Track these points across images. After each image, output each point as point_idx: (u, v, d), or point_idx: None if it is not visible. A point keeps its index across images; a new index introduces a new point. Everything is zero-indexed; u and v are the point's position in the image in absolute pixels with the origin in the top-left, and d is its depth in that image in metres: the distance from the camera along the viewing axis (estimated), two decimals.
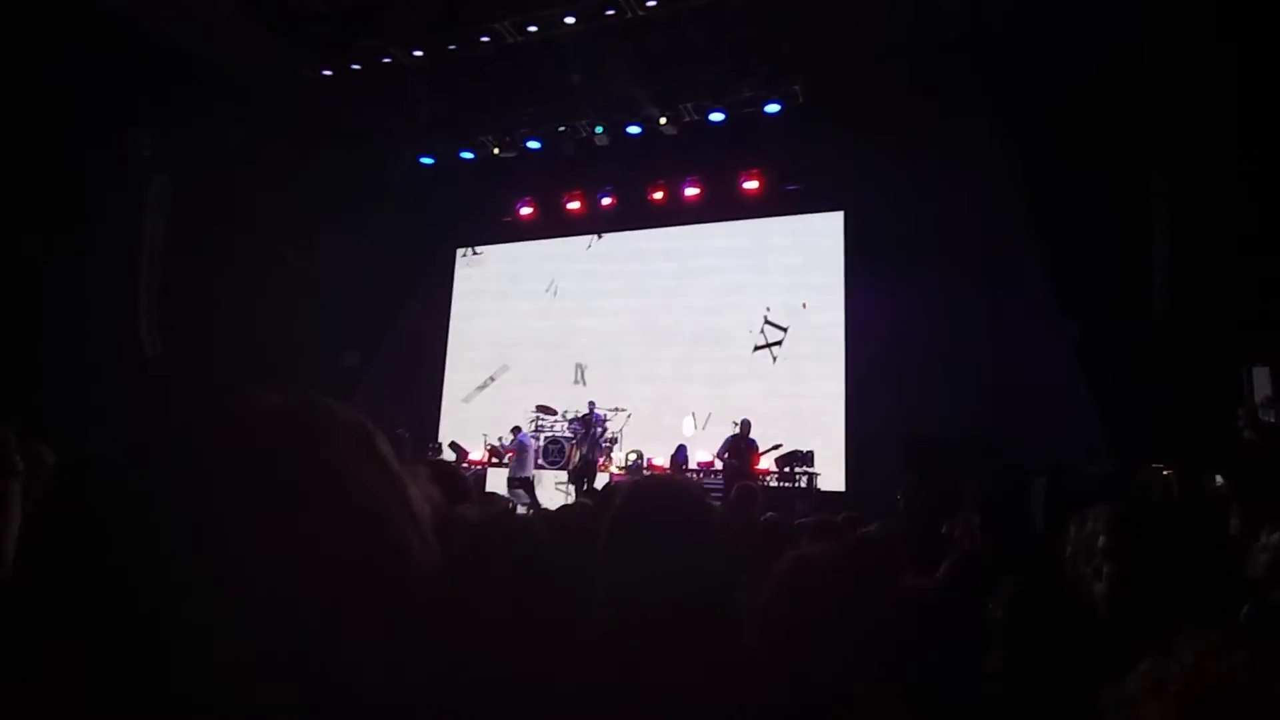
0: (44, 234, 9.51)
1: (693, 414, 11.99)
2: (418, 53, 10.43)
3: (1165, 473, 8.25)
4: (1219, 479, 7.04)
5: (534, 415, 11.77)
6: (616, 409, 11.37)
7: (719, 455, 10.43)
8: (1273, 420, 6.82)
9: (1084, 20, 9.32)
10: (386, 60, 10.48)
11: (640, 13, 9.69)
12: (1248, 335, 7.79)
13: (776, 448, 10.30)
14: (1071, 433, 9.75)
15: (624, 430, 11.49)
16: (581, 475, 10.28)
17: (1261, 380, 7.49)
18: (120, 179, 10.27)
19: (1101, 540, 1.68)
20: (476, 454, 12.10)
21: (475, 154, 11.75)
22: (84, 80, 9.74)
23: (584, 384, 11.70)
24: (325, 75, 10.66)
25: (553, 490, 11.23)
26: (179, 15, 9.95)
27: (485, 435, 11.84)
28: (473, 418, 13.21)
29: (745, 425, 10.26)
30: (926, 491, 8.25)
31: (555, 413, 11.69)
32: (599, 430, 10.74)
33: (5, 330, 8.60)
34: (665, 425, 11.65)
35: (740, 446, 10.26)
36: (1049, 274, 10.31)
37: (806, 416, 11.48)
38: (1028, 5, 9.65)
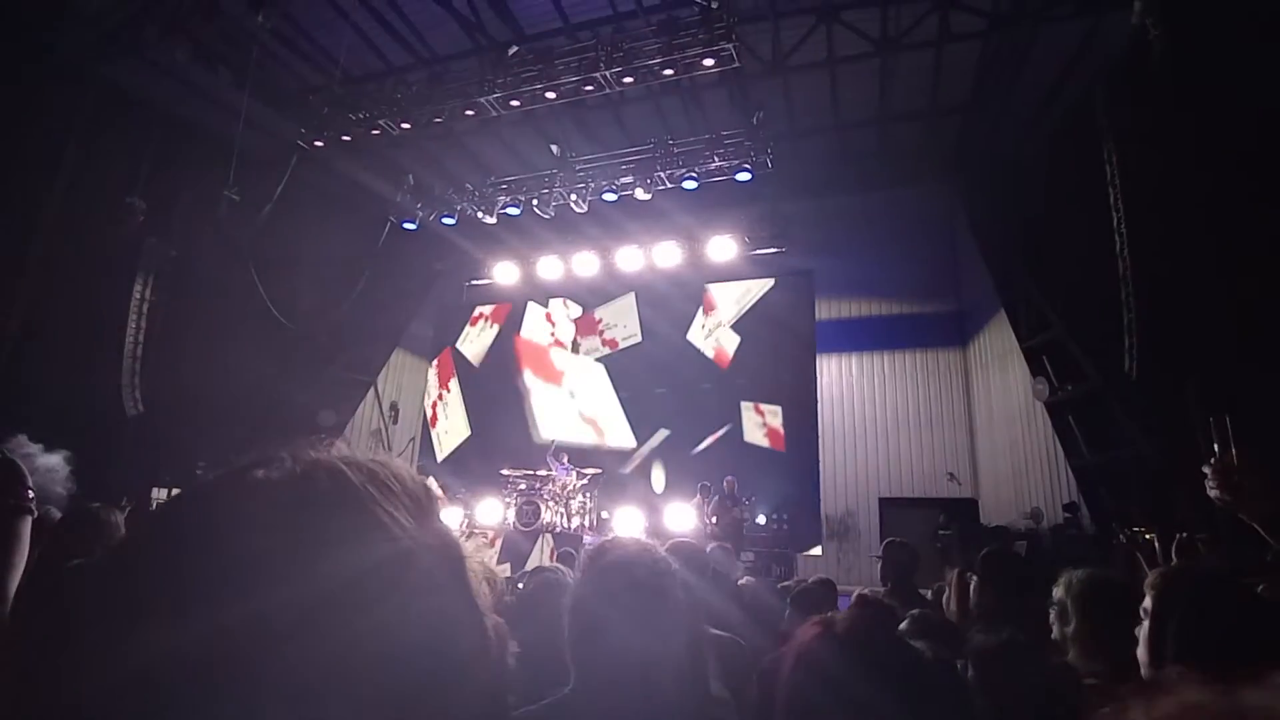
0: (40, 292, 9.90)
1: (663, 472, 11.87)
2: (405, 125, 10.98)
3: (1148, 536, 8.01)
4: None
5: (506, 474, 11.69)
6: (589, 468, 11.28)
7: (710, 517, 10.34)
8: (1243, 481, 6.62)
9: (1043, 83, 9.71)
10: (375, 132, 11.03)
11: (617, 88, 10.13)
12: (1218, 394, 7.68)
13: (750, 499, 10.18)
14: (1049, 493, 9.56)
15: (597, 492, 11.35)
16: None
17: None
18: (116, 242, 10.68)
19: (1147, 601, 1.68)
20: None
21: (455, 218, 12.16)
22: (89, 148, 10.33)
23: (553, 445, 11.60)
24: (317, 145, 11.22)
25: None
26: (183, 89, 10.60)
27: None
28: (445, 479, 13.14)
29: (731, 484, 10.19)
30: (905, 552, 8.13)
31: (532, 472, 11.59)
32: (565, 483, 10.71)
33: None
34: (632, 486, 11.56)
35: (728, 505, 10.17)
36: (1020, 334, 10.35)
37: (784, 477, 11.35)
38: (986, 78, 10.11)
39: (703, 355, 13.45)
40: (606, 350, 14.28)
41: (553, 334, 14.87)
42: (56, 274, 10.11)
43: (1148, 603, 1.68)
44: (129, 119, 10.73)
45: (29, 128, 9.42)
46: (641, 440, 13.19)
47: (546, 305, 15.00)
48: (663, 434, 13.06)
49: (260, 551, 0.42)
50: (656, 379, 13.50)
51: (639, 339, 14.03)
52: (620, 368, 14.05)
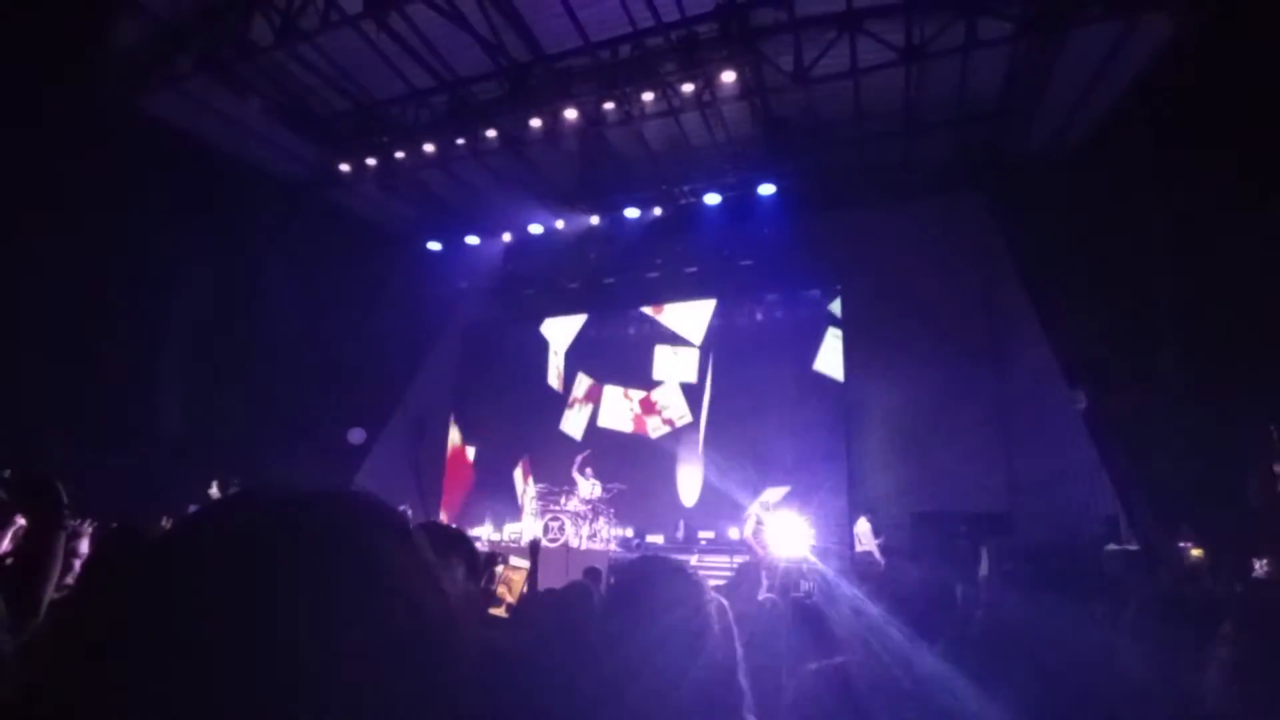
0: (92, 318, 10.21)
1: (695, 486, 11.75)
2: (428, 147, 11.11)
3: (1194, 552, 7.74)
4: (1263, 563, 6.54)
5: (536, 494, 11.69)
6: (613, 484, 11.22)
7: (753, 535, 10.24)
8: None
9: (1075, 89, 9.50)
10: (399, 155, 11.19)
11: (638, 105, 10.14)
12: (1263, 404, 7.38)
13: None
14: (1089, 506, 9.27)
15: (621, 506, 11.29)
16: None
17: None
18: (153, 270, 10.95)
19: (1226, 626, 1.64)
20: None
21: (480, 238, 12.28)
22: (126, 179, 10.60)
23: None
24: (343, 170, 11.41)
25: None
26: (216, 118, 10.86)
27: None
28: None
29: (768, 505, 10.08)
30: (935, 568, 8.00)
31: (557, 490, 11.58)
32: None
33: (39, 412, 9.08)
34: (661, 501, 11.45)
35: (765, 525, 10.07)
36: (1057, 345, 10.07)
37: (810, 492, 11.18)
38: (1015, 87, 9.92)
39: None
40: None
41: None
42: (107, 300, 10.39)
43: (1229, 627, 1.62)
44: (167, 149, 11.00)
45: (76, 162, 9.70)
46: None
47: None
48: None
49: (272, 577, 0.46)
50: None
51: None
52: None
